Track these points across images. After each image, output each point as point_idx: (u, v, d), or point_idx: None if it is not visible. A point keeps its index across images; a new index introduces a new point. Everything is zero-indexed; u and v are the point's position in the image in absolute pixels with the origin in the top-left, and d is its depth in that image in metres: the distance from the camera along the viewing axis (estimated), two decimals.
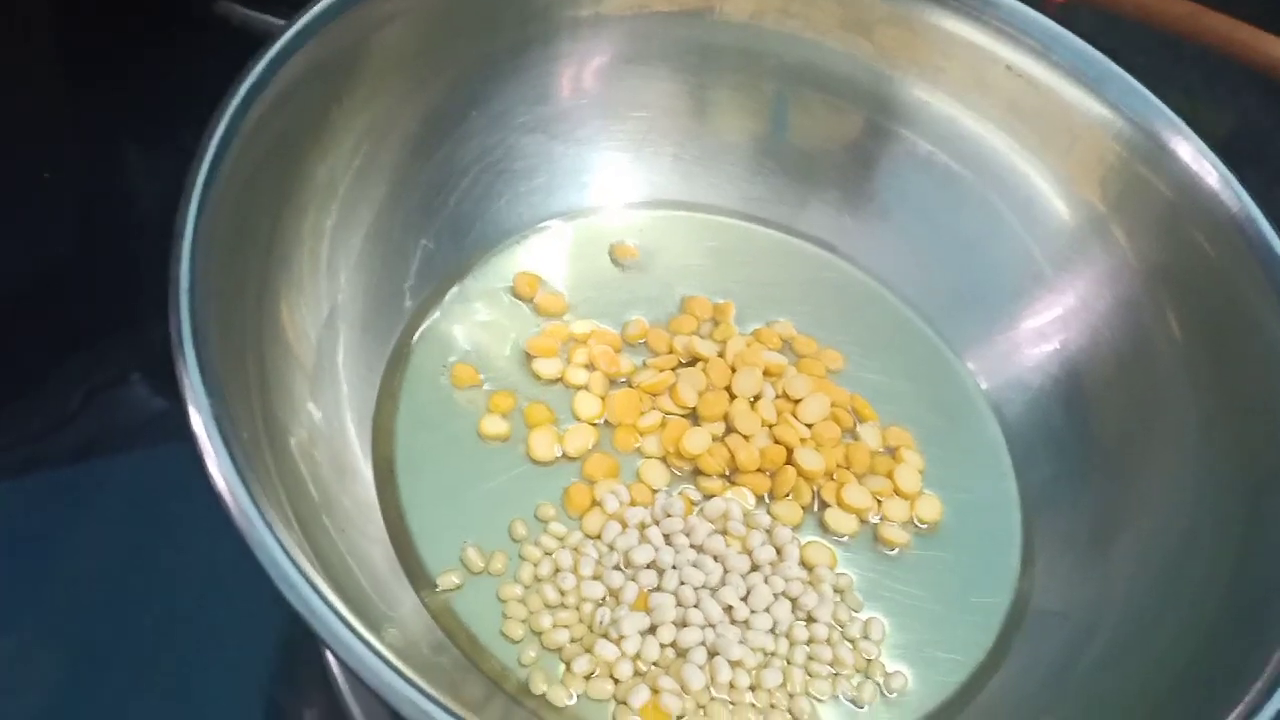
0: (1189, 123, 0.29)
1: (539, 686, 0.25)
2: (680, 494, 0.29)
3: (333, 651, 0.19)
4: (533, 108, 0.31)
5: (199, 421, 0.20)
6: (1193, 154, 0.28)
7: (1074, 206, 0.31)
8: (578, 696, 0.25)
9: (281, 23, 0.40)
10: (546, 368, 0.30)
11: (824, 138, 0.33)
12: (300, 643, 0.30)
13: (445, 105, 0.29)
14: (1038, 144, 0.31)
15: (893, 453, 0.31)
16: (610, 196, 0.34)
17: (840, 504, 0.29)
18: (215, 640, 0.30)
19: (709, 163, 0.34)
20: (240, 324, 0.23)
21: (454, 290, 0.31)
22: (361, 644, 0.19)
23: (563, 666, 0.26)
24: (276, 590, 0.20)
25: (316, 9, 0.25)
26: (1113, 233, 0.30)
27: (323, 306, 0.27)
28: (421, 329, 0.30)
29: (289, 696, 0.31)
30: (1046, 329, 0.31)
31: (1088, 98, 0.30)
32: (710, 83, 0.32)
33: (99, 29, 0.44)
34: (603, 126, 0.33)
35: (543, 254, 0.33)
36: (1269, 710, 0.22)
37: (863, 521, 0.29)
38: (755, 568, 0.28)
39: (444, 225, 0.30)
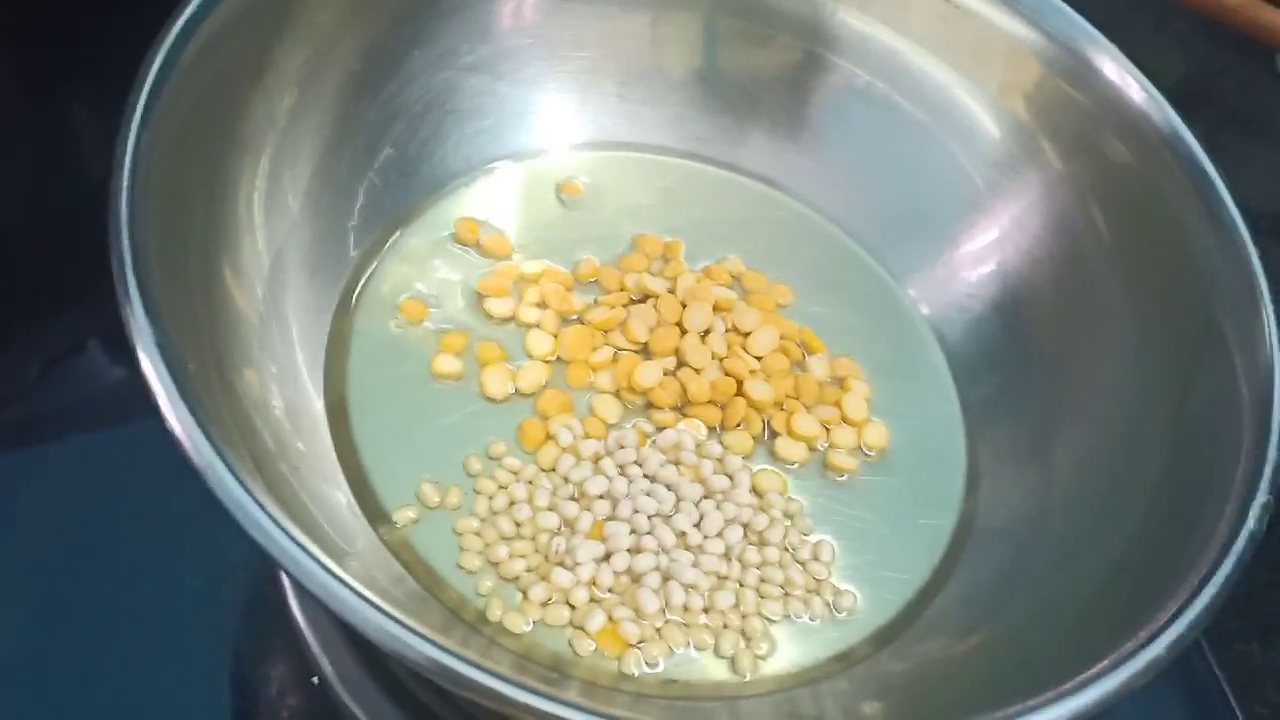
0: (1139, 67, 0.30)
1: (496, 614, 0.26)
2: (634, 427, 0.29)
3: (290, 575, 0.20)
4: (475, 46, 0.31)
5: (143, 348, 0.20)
6: (1117, 71, 0.29)
7: (1006, 129, 0.32)
8: (534, 623, 0.26)
9: None
10: (498, 307, 0.31)
11: (764, 72, 0.33)
12: (265, 597, 0.30)
13: (387, 41, 0.28)
14: (972, 69, 0.32)
15: (840, 382, 0.31)
16: (557, 137, 0.34)
17: (790, 433, 0.30)
18: (179, 600, 0.30)
19: (654, 102, 0.34)
20: (185, 266, 0.23)
21: (401, 233, 0.31)
22: (319, 566, 0.19)
23: (520, 595, 0.26)
24: (233, 521, 0.20)
25: None
26: (1044, 152, 0.31)
27: (269, 249, 0.27)
28: (369, 271, 0.30)
29: (254, 649, 0.31)
30: (983, 252, 0.32)
31: (1018, 23, 0.31)
32: (651, 19, 0.33)
33: None
34: (547, 66, 0.33)
35: (491, 196, 0.33)
36: (1201, 603, 0.22)
37: (812, 449, 0.30)
38: (707, 495, 0.28)
39: (390, 166, 0.30)
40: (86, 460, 0.33)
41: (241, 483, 0.19)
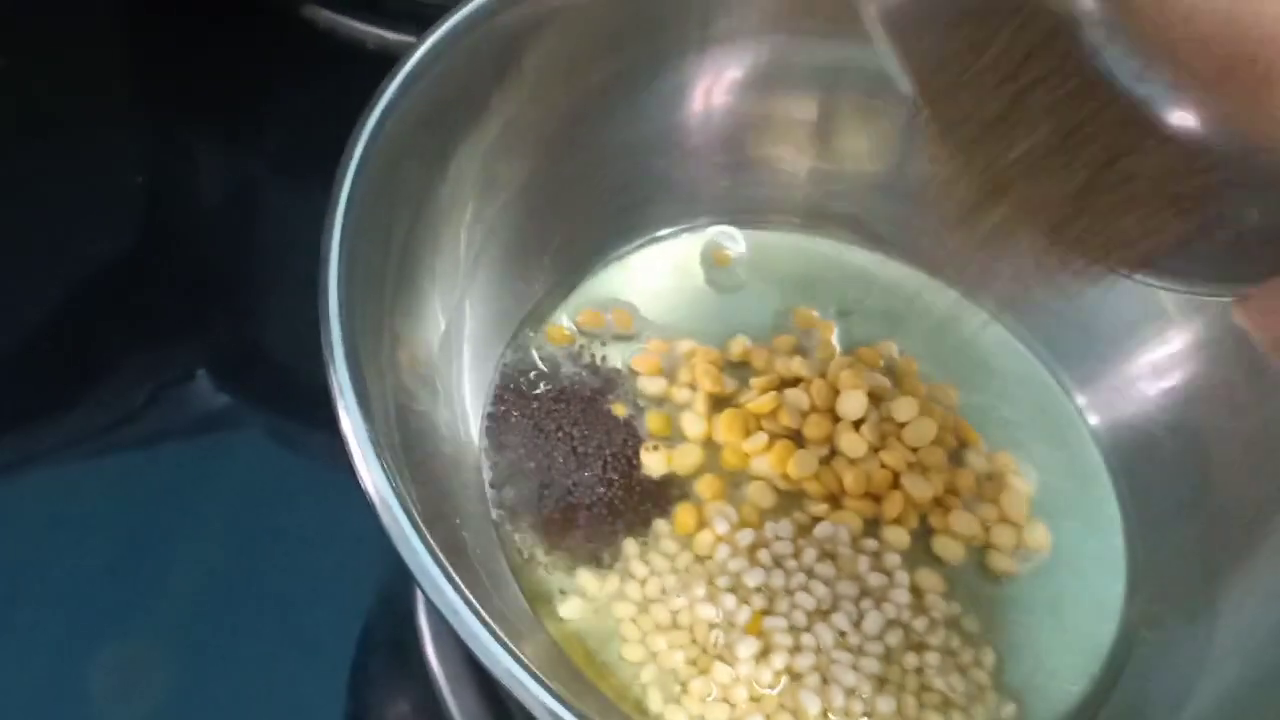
0: None
1: (655, 705, 0.25)
2: (789, 518, 0.29)
3: (480, 660, 0.19)
4: (659, 126, 0.31)
5: (351, 433, 0.20)
6: None
7: None
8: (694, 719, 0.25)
9: (368, 29, 0.41)
10: (650, 385, 0.30)
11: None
12: (393, 632, 0.30)
13: (579, 116, 0.28)
14: None
15: (998, 479, 0.30)
16: (710, 212, 0.33)
17: (948, 531, 0.29)
18: (298, 630, 0.30)
19: (821, 182, 0.33)
20: (376, 343, 0.23)
21: (560, 309, 0.31)
22: (509, 654, 0.19)
23: (678, 687, 0.26)
24: (437, 610, 0.19)
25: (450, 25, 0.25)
26: None
27: (444, 319, 0.27)
28: (530, 347, 0.30)
29: (385, 697, 0.30)
30: (1162, 364, 0.30)
31: None
32: (837, 106, 0.32)
33: (175, 27, 0.44)
34: (721, 144, 0.32)
35: (643, 271, 0.32)
36: None
37: (970, 549, 0.29)
38: (865, 593, 0.28)
39: (564, 238, 0.30)
40: (194, 481, 0.33)
41: (446, 573, 0.19)
